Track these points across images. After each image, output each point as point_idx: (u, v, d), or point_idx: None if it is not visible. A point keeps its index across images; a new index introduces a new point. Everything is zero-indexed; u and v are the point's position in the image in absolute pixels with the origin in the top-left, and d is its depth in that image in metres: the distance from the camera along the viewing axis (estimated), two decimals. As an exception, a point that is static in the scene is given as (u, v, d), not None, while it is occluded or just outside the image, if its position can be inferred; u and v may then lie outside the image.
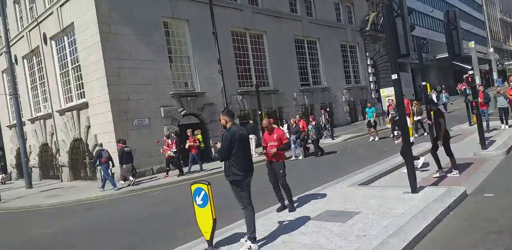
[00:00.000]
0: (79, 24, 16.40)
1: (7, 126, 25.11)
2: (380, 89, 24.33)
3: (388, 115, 15.75)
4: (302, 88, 24.27)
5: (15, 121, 20.85)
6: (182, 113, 17.66)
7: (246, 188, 4.99)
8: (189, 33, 18.43)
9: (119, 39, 15.77)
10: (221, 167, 13.72)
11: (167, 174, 14.52)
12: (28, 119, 21.77)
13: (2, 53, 23.31)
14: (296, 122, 15.22)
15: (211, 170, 14.45)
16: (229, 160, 4.92)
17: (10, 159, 25.67)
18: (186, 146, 14.79)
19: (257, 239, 4.94)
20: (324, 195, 7.33)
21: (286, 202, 6.69)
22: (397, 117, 13.00)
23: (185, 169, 14.58)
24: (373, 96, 30.65)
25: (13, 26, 22.00)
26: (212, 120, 18.61)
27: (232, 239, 5.37)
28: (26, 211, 12.56)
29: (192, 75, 18.52)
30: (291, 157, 14.39)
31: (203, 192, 5.00)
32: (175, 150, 14.32)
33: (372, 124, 16.66)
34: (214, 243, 5.12)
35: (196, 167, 14.73)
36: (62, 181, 19.10)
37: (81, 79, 17.08)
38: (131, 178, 14.07)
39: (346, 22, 29.73)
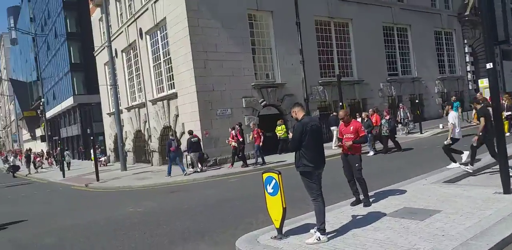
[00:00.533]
0: (170, 19, 17.44)
1: (107, 114, 27.85)
2: (479, 80, 22.16)
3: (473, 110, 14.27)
4: (390, 79, 23.09)
5: (114, 110, 23.02)
6: (262, 104, 17.95)
7: (316, 180, 4.94)
8: (272, 24, 18.56)
9: (206, 32, 16.45)
10: (285, 161, 14.06)
11: (231, 164, 15.01)
12: (125, 108, 23.89)
13: (104, 48, 25.79)
14: (369, 116, 14.50)
15: (276, 162, 14.53)
16: (299, 151, 4.91)
17: (109, 143, 28.52)
18: (250, 138, 15.14)
19: (326, 231, 4.89)
20: (403, 191, 6.96)
21: (361, 197, 6.49)
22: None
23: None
24: (470, 88, 28.03)
25: (114, 22, 24.13)
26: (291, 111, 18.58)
27: (302, 229, 5.38)
28: (121, 190, 13.92)
29: (273, 66, 18.69)
30: (368, 153, 13.74)
31: (273, 181, 5.07)
32: (241, 140, 14.67)
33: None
34: (284, 232, 5.18)
35: (270, 158, 14.95)
36: (152, 165, 20.73)
37: (172, 71, 18.23)
38: (199, 165, 15.08)
39: (442, 6, 27.45)
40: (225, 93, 16.87)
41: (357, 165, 6.44)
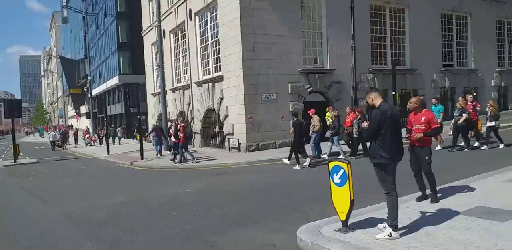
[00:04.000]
0: (221, 0, 17.15)
1: (152, 94, 28.28)
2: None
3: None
4: (444, 69, 21.91)
5: (158, 90, 23.25)
6: (308, 90, 17.50)
7: (391, 172, 4.58)
8: (325, 8, 17.89)
9: (257, 14, 16.08)
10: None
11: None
12: (170, 89, 24.09)
13: (152, 28, 25.96)
14: (338, 117, 13.03)
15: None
16: (376, 140, 4.54)
17: (152, 123, 29.01)
18: (172, 139, 14.93)
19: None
20: (472, 189, 6.45)
21: (428, 192, 6.06)
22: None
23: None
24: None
25: (163, 2, 24.15)
26: (338, 99, 18.05)
27: (367, 223, 5.06)
28: (165, 170, 14.06)
29: (322, 51, 18.11)
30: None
31: (341, 171, 4.75)
32: (181, 135, 14.22)
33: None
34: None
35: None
36: (194, 147, 20.85)
37: (219, 54, 18.05)
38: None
39: (507, -6, 25.49)
40: (271, 78, 16.54)
41: (426, 158, 5.99)
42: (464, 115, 11.86)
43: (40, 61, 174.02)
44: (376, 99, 4.71)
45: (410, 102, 6.15)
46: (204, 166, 13.66)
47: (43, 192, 10.78)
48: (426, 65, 20.80)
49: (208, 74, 19.49)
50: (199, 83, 20.02)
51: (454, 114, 12.48)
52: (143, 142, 17.46)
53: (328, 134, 12.86)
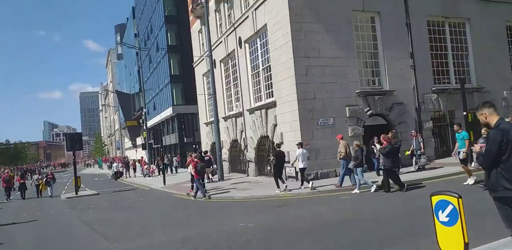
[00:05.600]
0: (271, 25, 16.98)
1: (204, 123, 28.36)
2: None
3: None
4: (516, 86, 20.04)
5: (211, 119, 23.17)
6: (368, 113, 16.50)
7: (520, 208, 3.64)
8: (379, 26, 17.14)
9: (309, 37, 15.65)
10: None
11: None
12: (222, 117, 23.93)
13: (203, 59, 26.43)
14: (359, 145, 12.36)
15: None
16: (497, 168, 3.65)
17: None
18: (190, 170, 14.81)
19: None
20: None
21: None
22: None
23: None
24: None
25: (213, 33, 24.53)
26: (401, 122, 16.86)
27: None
28: (223, 201, 13.46)
29: (380, 71, 17.19)
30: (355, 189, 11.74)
31: (450, 207, 3.88)
32: (193, 170, 14.62)
33: (461, 158, 11.09)
34: (461, 274, 3.92)
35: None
36: (248, 175, 20.29)
37: (270, 79, 17.70)
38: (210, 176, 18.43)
39: None
40: (327, 102, 15.79)
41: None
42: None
43: (98, 97, 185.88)
44: (491, 117, 3.85)
45: None
46: (262, 197, 12.94)
47: (103, 226, 10.51)
48: (494, 83, 19.10)
49: (260, 101, 19.13)
50: (251, 111, 19.68)
51: (479, 140, 9.80)
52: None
53: (351, 165, 11.99)
